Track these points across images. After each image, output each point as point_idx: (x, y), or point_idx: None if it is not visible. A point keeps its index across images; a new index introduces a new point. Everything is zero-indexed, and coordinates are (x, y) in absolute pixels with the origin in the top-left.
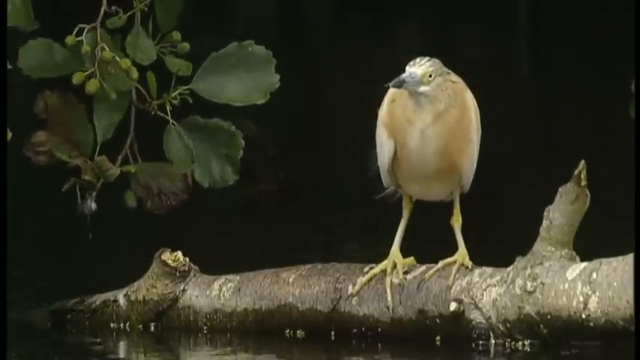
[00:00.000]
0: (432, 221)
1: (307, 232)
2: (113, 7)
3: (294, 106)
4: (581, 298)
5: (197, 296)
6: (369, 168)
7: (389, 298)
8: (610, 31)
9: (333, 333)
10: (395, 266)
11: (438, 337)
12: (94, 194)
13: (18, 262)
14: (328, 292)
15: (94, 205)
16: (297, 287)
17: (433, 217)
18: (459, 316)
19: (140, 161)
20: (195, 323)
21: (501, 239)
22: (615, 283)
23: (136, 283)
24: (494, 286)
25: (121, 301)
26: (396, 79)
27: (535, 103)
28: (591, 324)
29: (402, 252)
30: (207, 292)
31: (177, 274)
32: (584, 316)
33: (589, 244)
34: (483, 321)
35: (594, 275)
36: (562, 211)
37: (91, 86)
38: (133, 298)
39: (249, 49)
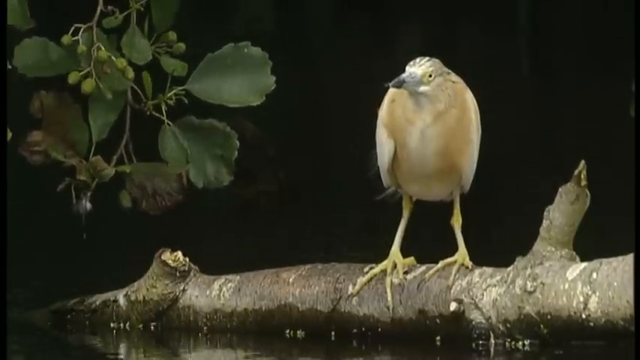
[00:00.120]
0: (432, 221)
1: (307, 233)
2: (109, 7)
3: (294, 106)
4: (582, 298)
5: (197, 296)
6: (369, 168)
7: (389, 298)
8: (610, 31)
9: (333, 333)
10: (395, 266)
11: (438, 337)
12: (89, 194)
13: (18, 262)
14: (328, 292)
15: (88, 205)
16: (297, 287)
17: (433, 217)
18: (459, 316)
19: (135, 161)
20: (196, 323)
21: (501, 239)
22: (615, 283)
23: (136, 283)
24: (495, 286)
25: (121, 301)
26: (396, 79)
27: (535, 103)
28: (591, 324)
29: (402, 252)
30: (208, 292)
31: (178, 274)
32: (584, 316)
33: (589, 244)
34: (483, 321)
35: (594, 275)
36: (562, 211)
37: (87, 86)
38: (133, 298)
39: (245, 50)
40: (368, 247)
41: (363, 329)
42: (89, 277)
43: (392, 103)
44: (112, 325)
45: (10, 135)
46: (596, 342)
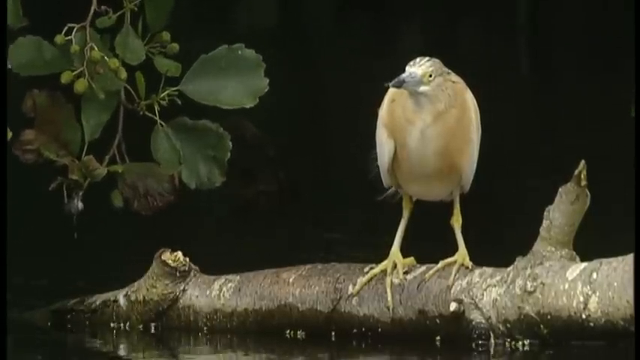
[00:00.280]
0: (432, 221)
1: (307, 233)
2: (103, 7)
3: (295, 106)
4: (582, 298)
5: (197, 296)
6: (369, 168)
7: (389, 299)
8: (610, 31)
9: (333, 333)
10: (395, 266)
11: (438, 338)
12: (81, 194)
13: (18, 262)
14: (328, 292)
15: (80, 205)
16: (297, 287)
17: (433, 217)
18: (459, 316)
19: (128, 161)
20: (196, 323)
21: (501, 239)
22: (615, 283)
23: (136, 283)
24: (495, 286)
25: (121, 301)
26: (396, 79)
27: (535, 103)
28: (591, 324)
29: (402, 252)
30: (208, 292)
31: (178, 274)
32: (584, 316)
33: (589, 244)
34: (483, 321)
35: (594, 275)
36: (562, 211)
37: (80, 86)
38: (133, 298)
39: (239, 52)
40: (368, 247)
41: (363, 329)
42: (94, 277)
43: (392, 103)
44: (112, 325)
45: (10, 135)
46: (596, 342)
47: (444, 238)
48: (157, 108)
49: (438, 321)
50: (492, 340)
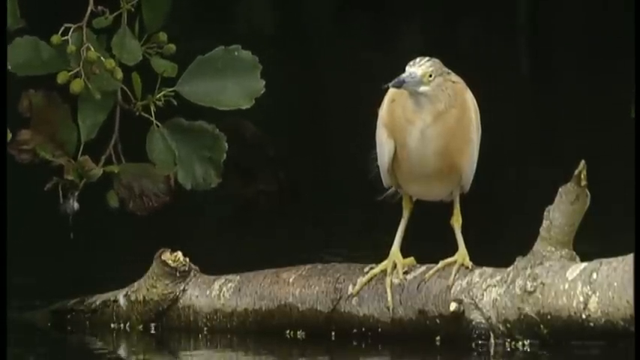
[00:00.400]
0: (432, 221)
1: (307, 233)
2: (100, 7)
3: (295, 106)
4: (582, 299)
5: (197, 296)
6: (369, 168)
7: (389, 299)
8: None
9: (333, 333)
10: (395, 266)
11: (438, 338)
12: (77, 194)
13: (18, 263)
14: (328, 292)
15: (76, 205)
16: (297, 287)
17: (433, 217)
18: (459, 316)
19: (124, 162)
20: (196, 323)
21: (501, 239)
22: (615, 284)
23: (136, 283)
24: (495, 286)
25: (121, 301)
26: (396, 79)
27: (535, 103)
28: (591, 324)
29: (402, 252)
30: (208, 292)
31: (178, 274)
32: (584, 316)
33: (589, 244)
34: (483, 321)
35: (594, 275)
36: (562, 211)
37: (76, 86)
38: (133, 298)
39: (236, 53)
40: (368, 247)
41: (363, 329)
42: (94, 277)
43: (392, 103)
44: (112, 325)
45: (10, 136)
46: (596, 342)
47: (444, 238)
48: (153, 109)
49: (438, 321)
50: (492, 340)
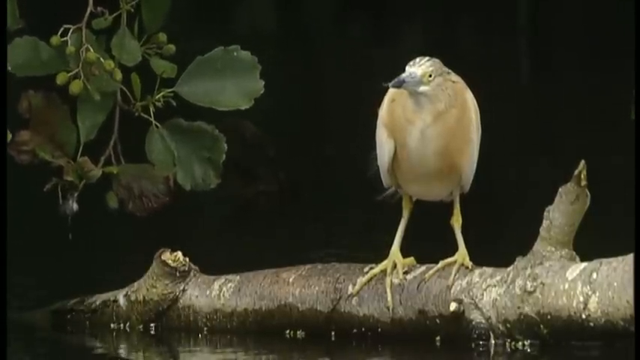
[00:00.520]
0: (432, 221)
1: (307, 233)
2: (99, 8)
3: (295, 106)
4: (581, 298)
5: (197, 296)
6: (369, 168)
7: (389, 299)
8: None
9: (333, 333)
10: (395, 266)
11: (438, 338)
12: (76, 195)
13: (18, 263)
14: (328, 292)
15: (75, 206)
16: (297, 287)
17: (433, 217)
18: (459, 316)
19: (123, 163)
20: (196, 323)
21: (501, 239)
22: (615, 284)
23: (136, 283)
24: (495, 286)
25: (121, 301)
26: (396, 79)
27: (535, 103)
28: (591, 324)
29: (402, 252)
30: (207, 292)
31: (178, 274)
32: (584, 316)
33: (589, 244)
34: (483, 321)
35: (594, 275)
36: (562, 211)
37: (75, 87)
38: (133, 298)
39: (235, 54)
40: (368, 247)
41: (363, 329)
42: (94, 277)
43: (392, 103)
44: (112, 325)
45: (10, 136)
46: (596, 342)
47: (444, 238)
48: (152, 109)
49: (438, 321)
50: (492, 340)
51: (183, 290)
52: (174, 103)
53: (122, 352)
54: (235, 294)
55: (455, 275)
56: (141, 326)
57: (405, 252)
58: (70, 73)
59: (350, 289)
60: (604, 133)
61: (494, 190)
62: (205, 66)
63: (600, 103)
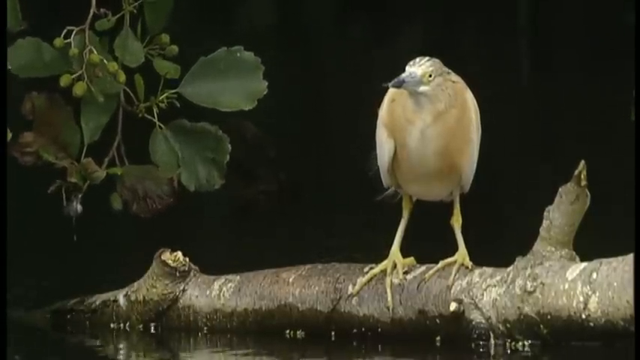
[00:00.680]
0: (432, 221)
1: (307, 233)
2: (102, 10)
3: (295, 107)
4: (581, 298)
5: (197, 296)
6: (369, 168)
7: (389, 299)
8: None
9: (333, 333)
10: (395, 266)
11: (438, 338)
12: (80, 196)
13: (17, 263)
14: (328, 292)
15: (79, 207)
16: (297, 287)
17: (433, 217)
18: (459, 316)
19: (127, 164)
20: (195, 323)
21: (501, 239)
22: (615, 283)
23: (136, 283)
24: (495, 286)
25: (121, 301)
26: (396, 79)
27: (535, 104)
28: (591, 324)
29: (402, 252)
30: (207, 292)
31: (177, 274)
32: (584, 316)
33: (589, 244)
34: (483, 321)
35: (594, 275)
36: (562, 211)
37: (79, 89)
38: (133, 298)
39: (238, 54)
40: (368, 247)
41: (363, 329)
42: (94, 277)
43: (392, 103)
44: (112, 325)
45: (10, 135)
46: (596, 342)
47: (444, 238)
48: (155, 110)
49: (438, 321)
50: (492, 341)
51: (183, 290)
52: (178, 104)
53: (122, 352)
54: (235, 294)
55: (455, 275)
56: (141, 326)
57: (405, 252)
58: (74, 75)
59: (350, 289)
60: (604, 134)
61: (494, 190)
62: (209, 67)
63: (600, 103)
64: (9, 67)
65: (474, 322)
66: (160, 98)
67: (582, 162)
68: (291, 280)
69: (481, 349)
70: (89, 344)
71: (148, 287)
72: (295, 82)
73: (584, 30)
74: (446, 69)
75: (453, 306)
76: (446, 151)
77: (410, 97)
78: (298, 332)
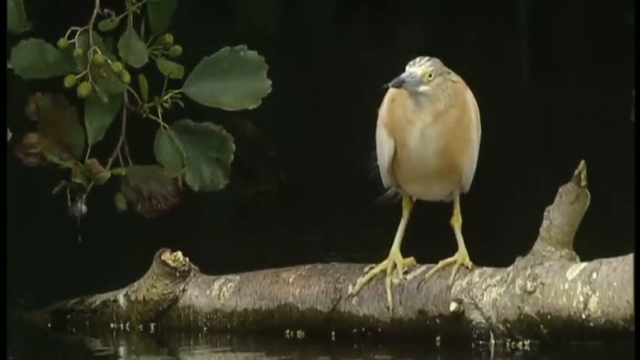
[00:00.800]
0: (432, 221)
1: (307, 233)
2: (105, 10)
3: (295, 107)
4: (581, 298)
5: (197, 296)
6: (369, 168)
7: (389, 299)
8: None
9: (333, 333)
10: (395, 266)
11: (438, 338)
12: (85, 197)
13: (18, 263)
14: (328, 292)
15: (84, 208)
16: (297, 287)
17: (433, 217)
18: (459, 316)
19: (131, 164)
20: (196, 323)
21: (501, 239)
22: (615, 283)
23: (136, 283)
24: (494, 286)
25: (121, 301)
26: (396, 79)
27: (535, 104)
28: (591, 324)
29: (402, 252)
30: (207, 292)
31: (177, 274)
32: (584, 316)
33: (589, 244)
34: (483, 321)
35: (594, 275)
36: (562, 211)
37: (83, 89)
38: (133, 298)
39: (242, 53)
40: (368, 247)
41: (363, 329)
42: (94, 277)
43: (392, 103)
44: (112, 325)
45: (10, 135)
46: (596, 342)
47: (444, 238)
48: (160, 110)
49: (438, 321)
50: (492, 340)
51: (183, 290)
52: (182, 104)
53: (122, 352)
54: (235, 294)
55: (455, 275)
56: (141, 326)
57: (405, 252)
58: (78, 76)
59: (350, 289)
60: (604, 133)
61: (494, 190)
62: (212, 66)
63: (600, 103)
64: (13, 67)
65: (474, 322)
66: (164, 98)
67: (582, 162)
68: (291, 280)
69: (481, 349)
70: (89, 344)
71: (148, 287)
72: (295, 82)
73: (584, 30)
74: (446, 69)
75: (453, 306)
76: (446, 151)
77: (410, 97)
78: (298, 332)
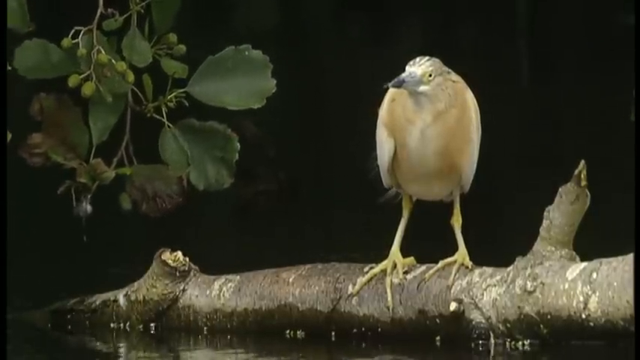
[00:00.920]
0: (432, 221)
1: (307, 233)
2: (109, 10)
3: (295, 106)
4: (581, 298)
5: (197, 296)
6: (369, 168)
7: (389, 298)
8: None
9: (333, 333)
10: (395, 266)
11: (438, 337)
12: (89, 197)
13: (18, 263)
14: (328, 292)
15: (89, 208)
16: (297, 287)
17: (433, 217)
18: (459, 316)
19: (136, 164)
20: (196, 323)
21: (501, 239)
22: (615, 283)
23: (136, 283)
24: (494, 286)
25: (121, 301)
26: (396, 79)
27: (535, 104)
28: (591, 324)
29: (402, 252)
30: (208, 292)
31: (178, 274)
32: (584, 316)
33: (589, 244)
34: (483, 321)
35: (594, 275)
36: (562, 211)
37: (87, 89)
38: (133, 298)
39: (246, 53)
40: (368, 247)
41: (363, 329)
42: (94, 277)
43: (392, 103)
44: (112, 325)
45: (9, 136)
46: (596, 342)
47: (444, 238)
48: (164, 110)
49: (438, 321)
50: (492, 340)
51: (183, 290)
52: (187, 104)
53: (122, 352)
54: (235, 294)
55: (455, 275)
56: (141, 326)
57: (405, 252)
58: (82, 75)
59: (350, 289)
60: (604, 133)
61: (494, 190)
62: (216, 66)
63: (600, 104)
64: (17, 68)
65: (474, 322)
66: (169, 98)
67: (582, 162)
68: (291, 280)
69: (481, 349)
70: (89, 344)
71: (148, 287)
72: (295, 81)
73: (584, 30)
74: (446, 68)
75: (453, 306)
76: (446, 151)
77: (410, 96)
78: (298, 332)
